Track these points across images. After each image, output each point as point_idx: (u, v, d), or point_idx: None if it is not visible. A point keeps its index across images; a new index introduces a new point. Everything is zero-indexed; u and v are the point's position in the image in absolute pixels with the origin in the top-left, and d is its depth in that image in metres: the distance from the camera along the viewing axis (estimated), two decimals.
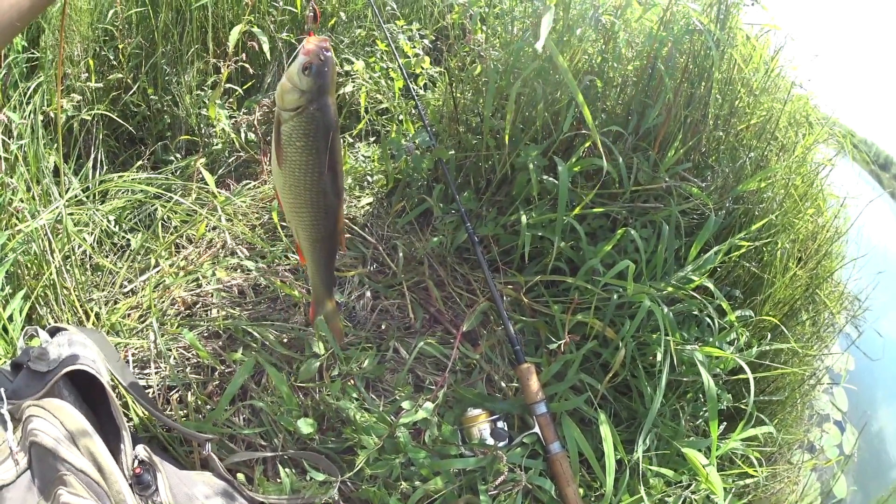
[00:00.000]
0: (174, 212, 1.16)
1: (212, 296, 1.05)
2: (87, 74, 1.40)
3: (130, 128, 1.32)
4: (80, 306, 1.12)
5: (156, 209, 1.16)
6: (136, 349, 1.09)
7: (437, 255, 1.06)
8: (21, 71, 1.35)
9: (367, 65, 1.33)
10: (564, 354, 1.00)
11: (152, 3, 1.35)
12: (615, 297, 1.05)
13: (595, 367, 1.09)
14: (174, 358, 1.06)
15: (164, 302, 1.11)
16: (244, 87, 1.34)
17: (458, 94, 1.04)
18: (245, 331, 1.02)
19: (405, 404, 0.98)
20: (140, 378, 1.04)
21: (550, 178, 1.04)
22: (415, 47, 1.30)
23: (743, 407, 1.33)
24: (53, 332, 0.81)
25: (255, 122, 1.23)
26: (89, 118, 1.34)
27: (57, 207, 1.12)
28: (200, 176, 1.19)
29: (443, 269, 1.05)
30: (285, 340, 1.03)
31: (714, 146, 1.32)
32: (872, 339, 1.84)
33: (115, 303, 1.17)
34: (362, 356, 1.02)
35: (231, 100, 1.34)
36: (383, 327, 1.07)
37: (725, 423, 1.30)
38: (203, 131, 1.30)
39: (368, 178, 1.21)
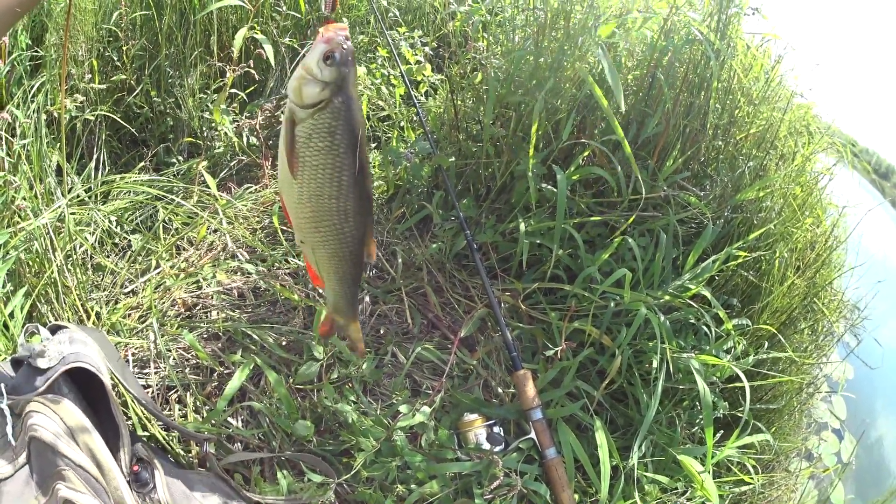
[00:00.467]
0: (175, 214, 1.18)
1: (212, 298, 1.06)
2: (90, 75, 1.41)
3: (133, 129, 1.34)
4: (81, 305, 1.13)
5: (157, 211, 1.18)
6: (135, 349, 1.10)
7: (435, 262, 1.07)
8: (25, 68, 1.36)
9: (368, 71, 1.34)
10: (561, 361, 1.01)
11: (156, 5, 1.37)
12: (612, 304, 1.07)
13: (592, 374, 1.11)
14: (174, 358, 1.07)
15: (164, 303, 1.12)
16: (247, 91, 1.35)
17: (459, 102, 1.05)
18: (244, 333, 1.03)
19: (402, 408, 0.99)
20: (139, 378, 1.06)
21: (549, 187, 1.06)
22: (416, 54, 1.31)
23: (739, 415, 1.34)
24: (54, 330, 0.81)
25: (258, 127, 1.25)
26: (92, 118, 1.35)
27: (59, 206, 1.14)
28: (202, 179, 1.20)
29: (441, 276, 1.07)
30: (284, 343, 1.04)
31: (713, 155, 1.33)
32: (871, 347, 1.85)
33: (116, 303, 1.18)
34: (361, 360, 1.03)
35: (234, 104, 1.36)
36: (381, 332, 1.08)
37: (722, 431, 1.31)
38: (205, 134, 1.32)
39: None
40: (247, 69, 1.18)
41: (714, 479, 1.11)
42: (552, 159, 1.07)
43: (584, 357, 1.06)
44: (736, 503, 1.28)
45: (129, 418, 1.01)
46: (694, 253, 1.16)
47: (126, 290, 1.20)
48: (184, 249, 1.16)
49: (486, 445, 1.00)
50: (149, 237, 1.17)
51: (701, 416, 1.28)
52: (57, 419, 0.71)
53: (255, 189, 1.22)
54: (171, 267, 1.13)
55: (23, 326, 0.84)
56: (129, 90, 1.40)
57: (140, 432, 1.00)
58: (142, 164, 1.29)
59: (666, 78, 1.20)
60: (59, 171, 1.27)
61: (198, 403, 1.05)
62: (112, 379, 0.86)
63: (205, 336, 1.07)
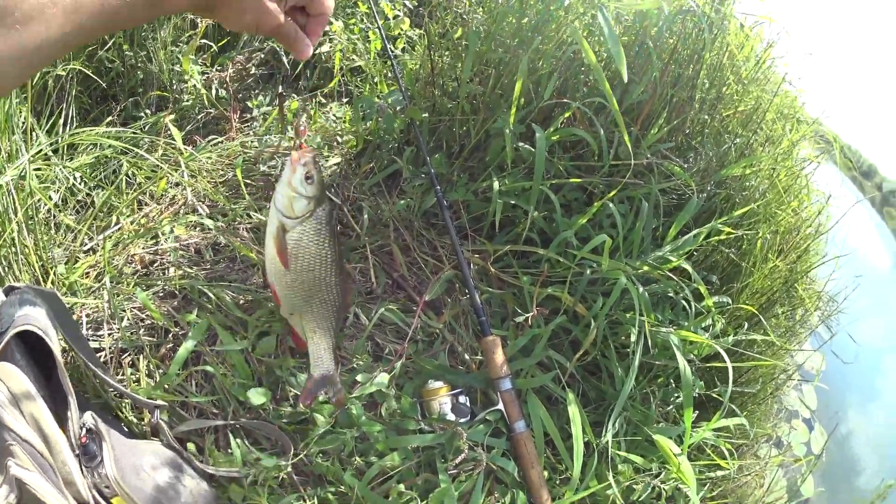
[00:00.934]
0: (139, 168, 1.06)
1: (169, 254, 0.95)
2: None
3: (104, 84, 1.22)
4: (42, 265, 1.02)
5: (121, 165, 1.06)
6: (91, 310, 0.99)
7: (403, 219, 0.96)
8: None
9: (346, 26, 1.23)
10: (532, 329, 0.91)
11: None
12: (588, 272, 0.96)
13: (564, 343, 1.00)
14: (128, 319, 0.96)
15: (121, 260, 1.01)
16: (219, 44, 1.23)
17: (437, 57, 0.94)
18: (201, 291, 0.92)
19: (359, 377, 0.88)
20: (94, 340, 0.94)
21: (526, 146, 0.95)
22: (395, 9, 1.20)
23: (715, 396, 1.25)
24: (8, 292, 0.74)
25: (227, 79, 1.13)
26: (63, 73, 1.23)
27: (21, 163, 1.02)
28: (169, 132, 1.08)
29: (409, 234, 0.95)
30: (242, 302, 0.93)
31: (699, 129, 1.23)
32: (844, 342, 1.76)
33: (76, 261, 1.07)
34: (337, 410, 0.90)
35: (205, 55, 1.24)
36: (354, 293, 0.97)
37: (697, 413, 1.21)
38: (175, 87, 1.20)
39: (338, 138, 1.11)
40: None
41: (691, 461, 1.01)
42: (531, 119, 0.96)
43: (557, 325, 0.95)
44: (705, 485, 1.18)
45: (82, 384, 0.90)
46: (676, 224, 1.05)
47: (86, 248, 1.09)
48: (145, 204, 1.04)
49: (451, 416, 0.90)
50: (111, 192, 1.06)
51: (676, 395, 1.18)
52: (3, 387, 0.65)
53: (221, 142, 1.10)
54: (132, 223, 1.02)
55: None
56: (101, 44, 1.28)
57: (94, 399, 0.89)
58: (110, 118, 1.17)
59: (654, 46, 1.10)
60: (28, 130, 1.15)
61: (151, 367, 0.94)
62: (64, 342, 0.77)
63: (160, 295, 0.96)
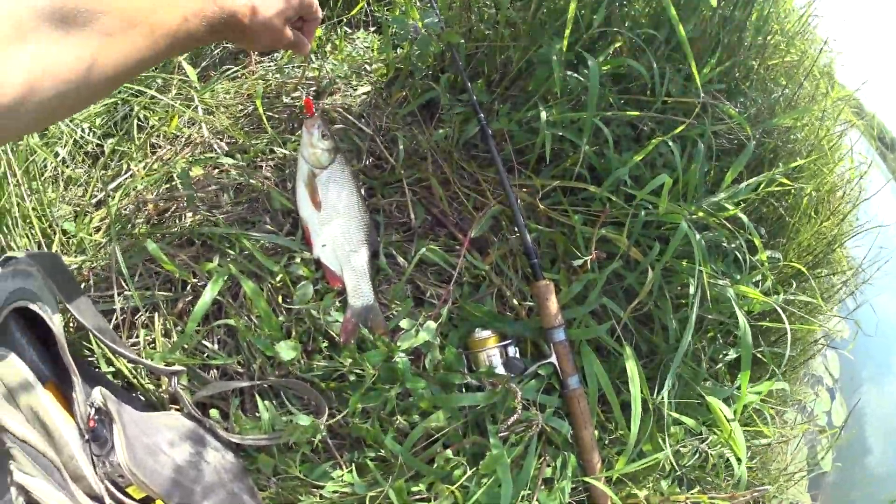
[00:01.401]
0: (151, 110, 0.93)
1: (184, 200, 0.82)
2: None
3: None
4: (49, 225, 0.88)
5: (132, 109, 0.93)
6: (100, 268, 0.86)
7: (441, 150, 0.83)
8: None
9: None
10: (587, 273, 0.79)
11: None
12: (643, 213, 0.84)
13: (617, 291, 0.88)
14: (140, 274, 0.84)
15: (132, 209, 0.88)
16: None
17: None
18: (222, 236, 0.80)
19: (404, 323, 0.76)
20: (104, 301, 0.82)
21: (573, 75, 0.83)
22: None
23: (759, 356, 1.13)
24: (4, 263, 0.65)
25: None
26: None
27: None
28: (182, 70, 0.95)
29: (448, 166, 0.82)
30: (267, 246, 0.81)
31: (746, 74, 1.11)
32: (867, 313, 1.64)
33: (85, 216, 0.94)
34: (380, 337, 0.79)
35: None
36: (380, 229, 0.85)
37: (740, 373, 1.10)
38: None
39: (367, 66, 0.98)
40: None
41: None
42: (577, 47, 0.84)
43: (610, 272, 0.83)
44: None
45: (91, 353, 0.77)
46: (732, 171, 0.93)
47: (95, 201, 0.96)
48: (159, 147, 0.91)
49: (501, 370, 0.77)
50: (120, 137, 0.93)
51: (725, 352, 1.06)
52: None
53: (238, 71, 0.96)
54: (144, 167, 0.89)
55: None
56: None
57: (105, 368, 0.77)
58: None
59: None
60: None
61: (167, 325, 0.81)
62: (65, 312, 0.67)
63: (176, 244, 0.83)
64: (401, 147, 0.82)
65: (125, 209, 0.88)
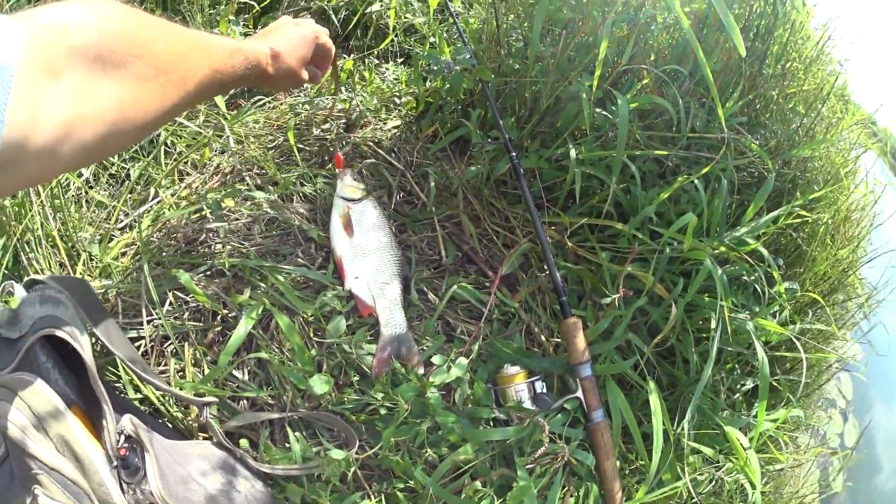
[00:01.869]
0: (179, 136, 0.97)
1: (216, 231, 0.87)
2: None
3: None
4: (72, 246, 0.91)
5: (158, 134, 0.97)
6: (127, 295, 0.89)
7: (472, 187, 0.88)
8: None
9: None
10: (613, 310, 0.84)
11: None
12: (668, 250, 0.89)
13: (641, 326, 0.93)
14: (170, 303, 0.88)
15: (161, 237, 0.92)
16: (262, 4, 1.14)
17: (503, 14, 0.86)
18: (253, 269, 0.84)
19: (436, 359, 0.81)
20: (132, 329, 0.85)
21: (602, 112, 0.88)
22: None
23: (776, 385, 1.19)
24: (29, 286, 0.67)
25: None
26: None
27: None
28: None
29: (478, 203, 0.87)
30: (299, 280, 0.85)
31: (765, 105, 1.16)
32: (880, 333, 1.71)
33: (111, 240, 0.97)
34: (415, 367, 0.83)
35: (247, 16, 1.14)
36: (411, 265, 0.89)
37: (756, 401, 1.15)
38: None
39: (396, 99, 1.03)
40: None
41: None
42: (607, 84, 0.89)
43: (635, 308, 0.88)
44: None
45: (119, 380, 0.80)
46: (755, 204, 0.98)
47: (121, 225, 0.99)
48: (187, 174, 0.95)
49: (529, 404, 0.82)
50: (148, 162, 0.96)
51: (743, 383, 1.12)
52: (25, 408, 0.58)
53: (267, 102, 1.00)
54: (172, 195, 0.93)
55: (1, 284, 0.68)
56: None
57: (132, 394, 0.80)
58: None
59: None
60: None
61: (197, 355, 0.85)
62: (94, 339, 0.69)
63: (207, 274, 0.87)
64: (432, 184, 0.87)
65: (153, 236, 0.92)
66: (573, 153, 0.84)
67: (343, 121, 1.00)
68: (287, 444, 0.79)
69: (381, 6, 1.12)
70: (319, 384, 0.78)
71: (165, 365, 0.85)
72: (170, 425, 0.82)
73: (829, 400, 1.99)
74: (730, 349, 1.03)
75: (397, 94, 1.05)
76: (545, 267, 0.84)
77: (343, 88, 1.03)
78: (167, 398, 0.82)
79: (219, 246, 0.86)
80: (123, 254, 0.96)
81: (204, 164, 0.95)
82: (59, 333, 0.61)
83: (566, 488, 0.86)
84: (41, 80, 0.35)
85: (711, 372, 1.01)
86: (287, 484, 0.78)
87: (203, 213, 0.90)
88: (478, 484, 0.79)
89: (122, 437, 0.64)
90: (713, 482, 1.04)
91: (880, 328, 1.72)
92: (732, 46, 1.02)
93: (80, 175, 1.03)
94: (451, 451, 0.79)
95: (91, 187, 1.01)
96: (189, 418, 0.83)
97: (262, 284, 0.84)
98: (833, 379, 2.04)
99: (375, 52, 1.14)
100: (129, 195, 1.00)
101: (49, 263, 0.93)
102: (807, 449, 1.58)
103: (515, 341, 0.85)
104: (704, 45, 1.04)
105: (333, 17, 1.22)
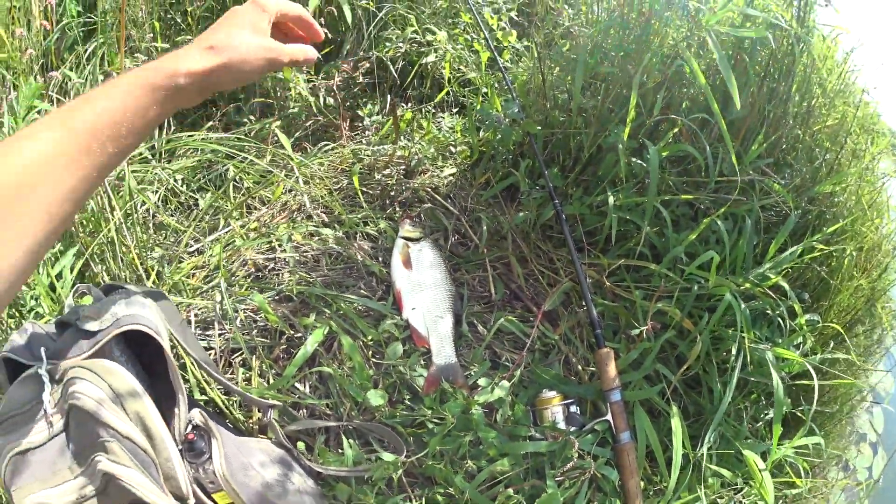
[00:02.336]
0: (247, 172, 1.12)
1: (285, 259, 1.01)
2: (152, 35, 1.34)
3: None
4: (141, 263, 1.04)
5: (227, 169, 1.12)
6: (199, 310, 1.04)
7: (520, 231, 1.02)
8: (78, 35, 1.29)
9: (449, 36, 1.28)
10: (643, 342, 0.96)
11: None
12: (696, 287, 1.01)
13: (670, 358, 1.05)
14: (240, 320, 1.02)
15: (233, 263, 1.07)
16: (323, 52, 1.29)
17: (547, 70, 0.99)
18: (318, 297, 0.98)
19: (482, 381, 0.94)
20: (201, 339, 1.00)
21: (637, 161, 1.00)
22: (501, 20, 1.25)
23: (799, 414, 1.28)
24: (108, 290, 0.74)
25: (335, 87, 1.19)
26: None
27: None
28: (275, 139, 1.15)
29: (526, 246, 1.01)
30: (360, 308, 0.99)
31: (792, 144, 1.26)
32: None
33: (179, 262, 1.12)
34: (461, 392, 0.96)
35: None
36: (464, 301, 1.03)
37: (781, 430, 1.25)
38: (279, 94, 1.26)
39: (451, 148, 1.17)
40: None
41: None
42: (640, 134, 1.01)
43: (665, 340, 1.00)
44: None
45: (187, 381, 0.93)
46: (776, 242, 1.09)
47: (191, 249, 1.15)
48: (255, 209, 1.11)
49: (562, 425, 0.95)
50: (218, 195, 1.12)
51: (766, 412, 1.22)
52: (104, 385, 0.64)
53: (332, 147, 1.16)
54: (242, 226, 1.08)
55: (72, 287, 0.75)
56: None
57: (197, 396, 0.93)
58: (210, 123, 1.24)
59: (750, 60, 1.14)
60: None
61: (263, 367, 1.00)
62: (171, 341, 0.77)
63: (275, 298, 1.02)
64: (484, 228, 1.00)
65: (227, 262, 1.07)
66: (611, 200, 0.96)
67: (403, 167, 1.15)
68: (340, 451, 0.92)
69: (436, 57, 1.26)
70: (375, 397, 0.92)
71: (233, 374, 1.00)
72: (231, 426, 0.95)
73: (861, 434, 2.04)
74: (753, 379, 1.13)
75: (453, 143, 1.19)
76: (584, 303, 0.97)
77: (402, 136, 1.18)
78: (232, 402, 0.95)
79: (287, 275, 1.01)
80: (192, 275, 1.11)
81: (275, 200, 1.10)
82: (143, 329, 0.67)
83: (591, 502, 0.97)
84: None
85: (735, 400, 1.12)
86: (337, 484, 0.89)
87: (272, 244, 1.05)
88: (510, 491, 0.91)
89: (191, 426, 0.74)
90: None
91: None
92: (756, 91, 1.14)
93: (149, 197, 1.16)
94: (489, 464, 0.92)
95: (158, 210, 1.15)
96: (251, 421, 0.96)
97: (327, 311, 0.98)
98: (865, 412, 2.10)
99: (432, 103, 1.28)
100: (198, 223, 1.15)
101: (122, 276, 1.05)
102: (835, 482, 1.66)
103: (554, 369, 0.97)
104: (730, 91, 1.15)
105: (391, 66, 1.37)
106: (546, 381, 0.96)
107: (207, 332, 1.03)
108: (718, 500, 1.13)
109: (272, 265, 1.03)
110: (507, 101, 1.02)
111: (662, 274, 1.00)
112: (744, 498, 1.12)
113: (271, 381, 0.97)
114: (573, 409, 0.94)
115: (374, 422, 0.95)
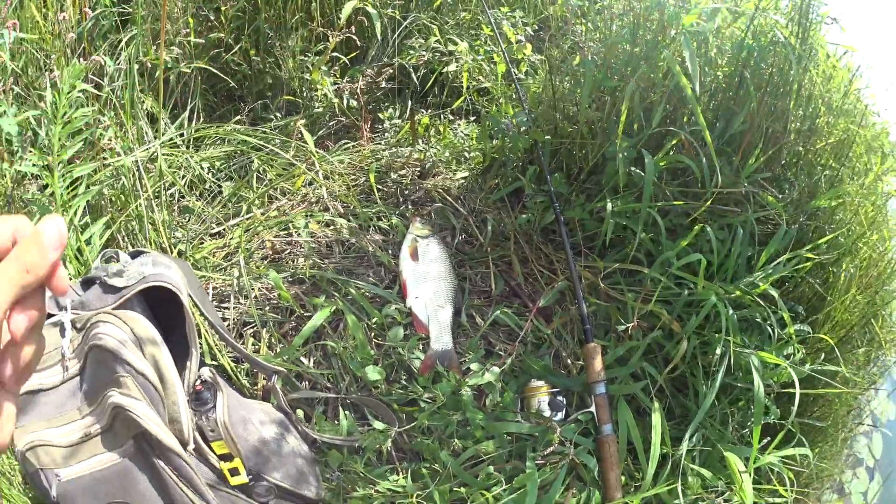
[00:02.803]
0: (270, 165, 1.23)
1: (301, 245, 1.11)
2: (187, 30, 1.43)
3: (232, 83, 1.38)
4: (167, 239, 1.13)
5: (252, 161, 1.23)
6: (217, 283, 1.14)
7: (523, 233, 1.12)
8: (112, 23, 1.36)
9: (470, 47, 1.38)
10: (631, 340, 1.03)
11: None
12: (685, 292, 1.07)
13: (658, 359, 1.12)
14: (255, 296, 1.12)
15: (252, 244, 1.18)
16: (349, 57, 1.40)
17: (558, 83, 1.08)
18: (330, 280, 1.08)
19: (474, 366, 1.02)
20: (217, 310, 1.09)
21: (638, 171, 1.07)
22: (518, 34, 1.34)
23: (791, 428, 1.32)
24: (135, 255, 0.79)
25: (359, 91, 1.29)
26: (188, 71, 1.34)
27: (152, 146, 1.14)
28: (299, 135, 1.25)
29: (528, 247, 1.11)
30: (368, 294, 1.09)
31: (793, 160, 1.32)
32: None
33: (201, 242, 1.23)
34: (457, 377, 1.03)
35: (335, 67, 1.41)
36: (464, 294, 1.11)
37: (768, 439, 1.30)
38: (305, 94, 1.37)
39: (465, 153, 1.27)
40: (349, 35, 1.22)
41: (753, 485, 1.09)
42: (642, 145, 1.08)
43: (653, 340, 1.07)
44: None
45: (199, 346, 1.05)
46: (767, 251, 1.15)
47: (213, 232, 1.26)
48: (276, 199, 1.22)
49: (547, 412, 1.02)
50: (242, 184, 1.23)
51: (752, 419, 1.27)
52: (127, 329, 0.69)
53: (352, 146, 1.26)
54: (262, 214, 1.19)
55: (100, 252, 0.80)
56: (227, 48, 1.43)
57: (208, 361, 1.02)
58: (238, 117, 1.35)
59: (752, 78, 1.20)
60: (150, 117, 1.26)
61: (273, 340, 1.09)
62: (191, 304, 0.81)
63: (289, 279, 1.13)
64: (489, 228, 1.10)
65: (246, 243, 1.18)
66: (609, 206, 1.04)
67: (418, 168, 1.25)
68: (336, 421, 1.01)
69: (457, 67, 1.36)
70: (373, 372, 1.01)
71: (243, 343, 1.09)
72: (237, 391, 1.04)
73: (859, 458, 2.05)
74: (740, 385, 1.19)
75: (467, 148, 1.30)
76: (577, 301, 1.05)
77: (419, 140, 1.28)
78: (240, 369, 1.04)
79: (301, 259, 1.11)
80: (213, 254, 1.21)
81: (295, 192, 1.21)
82: (168, 285, 0.73)
83: (570, 488, 1.05)
84: None
85: (721, 405, 1.17)
86: (330, 451, 0.98)
87: (290, 230, 1.15)
88: (491, 468, 0.99)
89: (200, 380, 0.79)
90: None
91: None
92: (756, 107, 1.20)
93: (177, 179, 1.25)
94: (475, 445, 1.00)
95: (183, 196, 1.25)
96: (256, 388, 1.05)
97: (336, 294, 1.08)
98: (864, 437, 2.10)
99: (450, 109, 1.38)
100: (222, 209, 1.26)
101: (151, 247, 1.13)
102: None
103: (544, 361, 1.05)
104: (734, 108, 1.21)
105: (413, 74, 1.47)
106: (535, 372, 1.04)
107: (224, 304, 1.13)
108: (700, 502, 1.18)
109: (289, 249, 1.14)
110: (517, 112, 1.11)
111: (655, 278, 1.07)
112: (724, 501, 1.17)
113: (279, 350, 1.07)
114: (559, 398, 1.02)
115: (371, 397, 1.04)
